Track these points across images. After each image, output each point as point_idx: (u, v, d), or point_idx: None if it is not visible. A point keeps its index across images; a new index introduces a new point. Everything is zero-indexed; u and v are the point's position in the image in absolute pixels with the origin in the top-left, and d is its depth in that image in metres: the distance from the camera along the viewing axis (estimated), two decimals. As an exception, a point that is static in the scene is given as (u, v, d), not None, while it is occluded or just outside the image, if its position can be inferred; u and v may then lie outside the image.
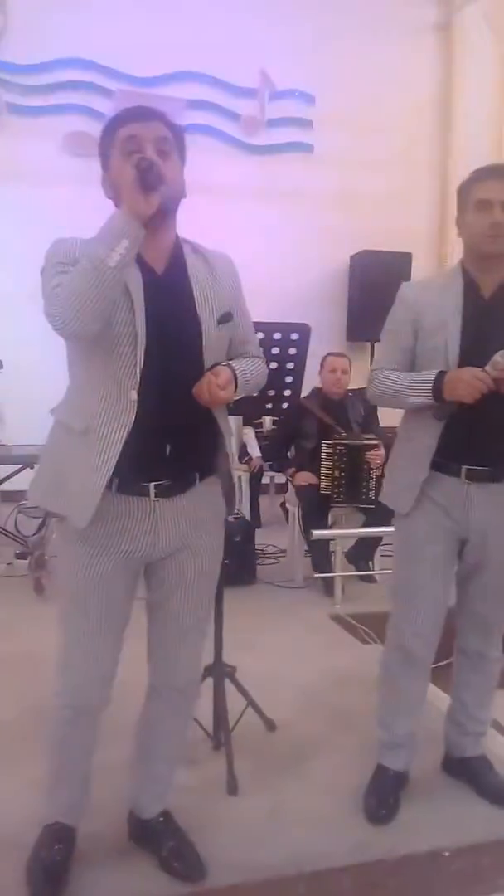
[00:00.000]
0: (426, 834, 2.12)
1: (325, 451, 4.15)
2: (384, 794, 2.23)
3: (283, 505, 5.05)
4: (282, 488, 5.32)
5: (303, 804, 2.26)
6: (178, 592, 1.87)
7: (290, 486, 4.56)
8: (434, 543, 2.20)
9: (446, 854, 2.07)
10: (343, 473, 4.14)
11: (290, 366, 2.38)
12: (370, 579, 4.39)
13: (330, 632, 3.74)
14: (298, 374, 2.40)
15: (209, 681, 2.47)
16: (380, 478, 4.15)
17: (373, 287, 6.15)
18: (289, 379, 2.38)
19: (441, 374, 2.09)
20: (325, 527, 4.20)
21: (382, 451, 4.13)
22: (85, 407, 1.73)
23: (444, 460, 2.17)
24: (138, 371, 1.69)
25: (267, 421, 5.18)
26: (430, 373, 2.12)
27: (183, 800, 2.13)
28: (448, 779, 2.39)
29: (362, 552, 4.36)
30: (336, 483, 4.16)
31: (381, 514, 4.24)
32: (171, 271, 1.75)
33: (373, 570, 4.41)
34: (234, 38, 6.18)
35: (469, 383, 2.02)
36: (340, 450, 4.13)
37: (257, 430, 5.27)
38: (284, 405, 2.51)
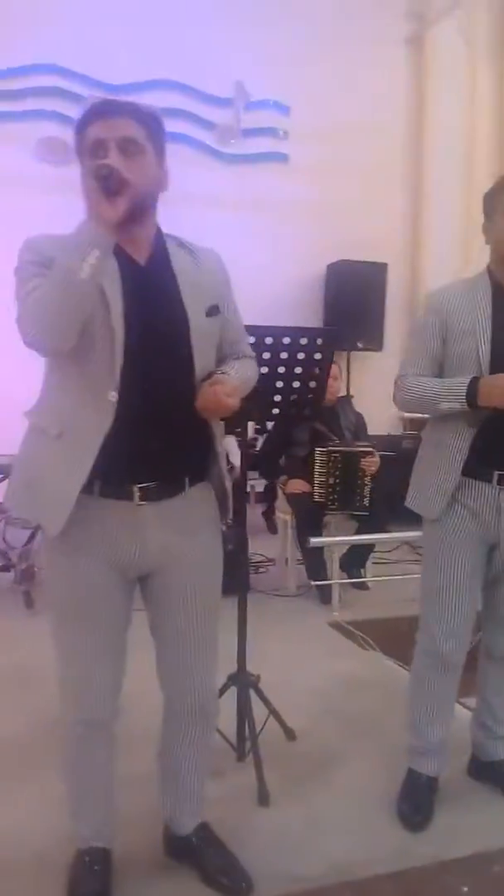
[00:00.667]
0: (465, 838, 2.12)
1: (318, 458, 4.15)
2: (418, 800, 2.22)
3: (265, 513, 5.03)
4: (260, 497, 5.30)
5: (336, 812, 2.25)
6: (177, 610, 1.81)
7: (280, 493, 4.55)
8: (465, 548, 2.21)
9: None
10: (337, 481, 4.14)
11: (315, 371, 2.36)
12: (363, 586, 4.40)
13: (330, 639, 3.73)
14: (322, 380, 2.38)
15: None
16: (374, 485, 4.18)
17: (349, 296, 6.19)
18: (312, 384, 2.35)
19: (475, 380, 2.10)
20: (319, 534, 4.19)
21: (377, 458, 4.15)
22: (60, 410, 1.67)
23: (476, 466, 2.18)
24: (118, 370, 1.61)
25: (250, 429, 5.16)
26: (463, 379, 2.13)
27: (214, 812, 2.08)
28: (474, 783, 2.39)
29: (355, 559, 4.37)
30: (330, 490, 4.15)
31: (374, 522, 4.27)
32: (154, 262, 1.70)
33: (365, 578, 4.42)
34: (208, 48, 6.17)
35: None
36: (335, 457, 4.13)
37: (247, 437, 5.23)
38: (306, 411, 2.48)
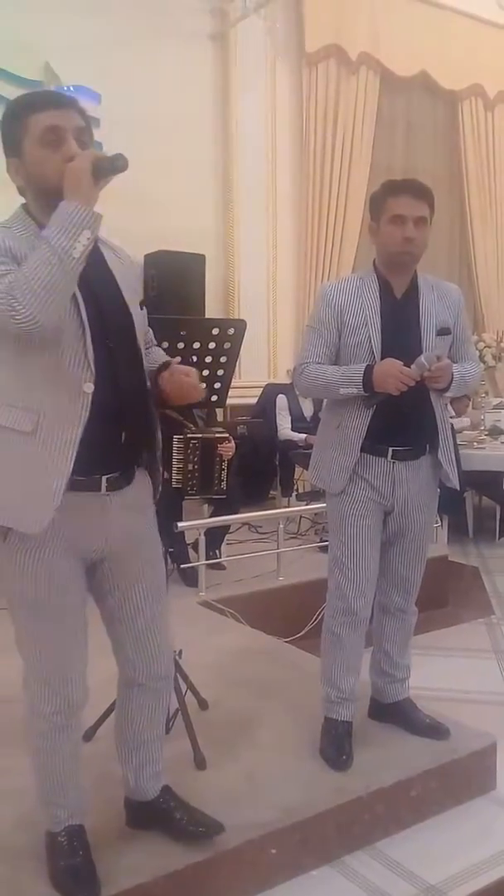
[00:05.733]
0: (386, 771, 2.41)
1: (176, 445, 4.24)
2: (340, 744, 2.48)
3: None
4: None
5: (269, 765, 2.45)
6: (135, 586, 1.90)
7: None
8: (367, 517, 2.49)
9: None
10: (196, 467, 4.28)
11: (223, 360, 2.53)
12: (220, 566, 4.61)
13: (204, 617, 3.91)
14: (230, 368, 2.56)
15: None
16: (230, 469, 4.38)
17: (168, 286, 6.32)
18: (220, 372, 2.52)
19: (369, 368, 2.38)
20: (179, 520, 4.33)
21: (233, 444, 4.35)
22: (30, 406, 1.69)
23: (373, 444, 2.46)
24: (91, 361, 1.68)
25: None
26: (359, 367, 2.39)
27: (159, 782, 2.22)
28: (377, 724, 2.69)
29: (211, 541, 4.56)
30: (189, 476, 4.29)
31: (227, 504, 4.48)
32: (91, 257, 1.72)
33: (220, 558, 4.64)
34: (17, 28, 6.01)
35: (397, 378, 2.32)
36: (194, 444, 4.26)
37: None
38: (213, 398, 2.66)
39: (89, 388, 1.68)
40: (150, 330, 2.03)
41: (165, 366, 1.90)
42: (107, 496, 1.78)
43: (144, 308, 1.94)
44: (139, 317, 1.86)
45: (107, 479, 1.77)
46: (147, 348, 1.97)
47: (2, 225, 1.74)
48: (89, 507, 1.77)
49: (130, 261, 1.93)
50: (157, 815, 2.07)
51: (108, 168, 1.62)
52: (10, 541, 1.75)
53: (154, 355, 2.02)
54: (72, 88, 6.49)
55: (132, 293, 1.85)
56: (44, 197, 1.70)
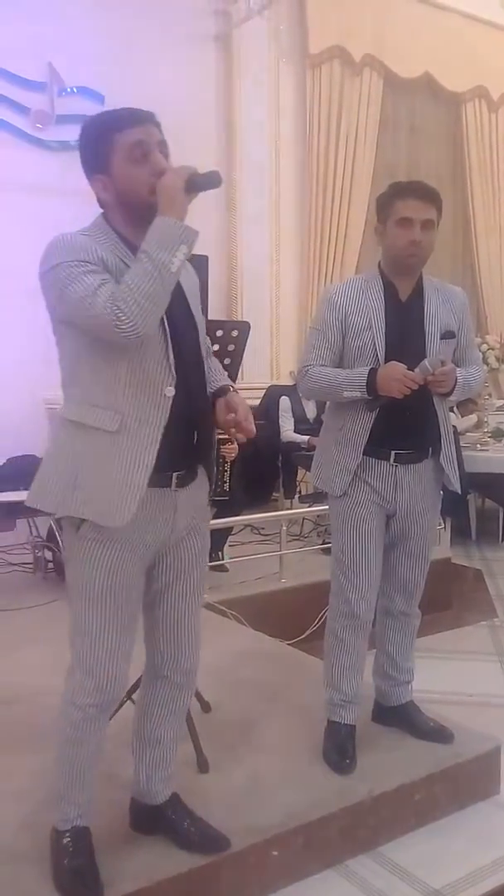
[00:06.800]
0: (390, 774, 2.40)
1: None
2: (343, 747, 2.47)
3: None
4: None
5: (272, 768, 2.44)
6: (183, 579, 1.97)
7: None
8: (369, 519, 2.48)
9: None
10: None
11: (227, 361, 2.53)
12: (223, 568, 4.60)
13: (207, 619, 3.80)
14: (234, 368, 2.56)
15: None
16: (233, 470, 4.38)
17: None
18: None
19: (373, 371, 2.37)
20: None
21: (236, 445, 4.35)
22: (113, 406, 1.76)
23: (375, 447, 2.45)
24: (172, 366, 1.78)
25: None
26: (363, 370, 2.39)
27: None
28: (380, 727, 2.68)
29: (214, 543, 4.53)
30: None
31: (230, 505, 4.47)
32: None
33: (223, 560, 4.63)
34: (20, 29, 6.01)
35: (401, 381, 2.31)
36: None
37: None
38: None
39: (170, 391, 1.78)
40: (208, 338, 2.08)
41: (222, 392, 1.95)
42: (175, 492, 1.86)
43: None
44: (202, 325, 1.95)
45: (177, 476, 1.85)
46: (206, 356, 2.02)
47: (84, 233, 1.79)
48: (159, 503, 1.83)
49: (193, 271, 1.99)
50: (164, 821, 2.07)
51: (202, 184, 1.71)
52: (82, 532, 1.81)
53: (211, 363, 2.06)
54: (75, 90, 6.53)
55: (196, 302, 1.94)
56: (132, 210, 1.77)
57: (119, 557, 1.82)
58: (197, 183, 1.70)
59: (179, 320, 1.83)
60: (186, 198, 1.68)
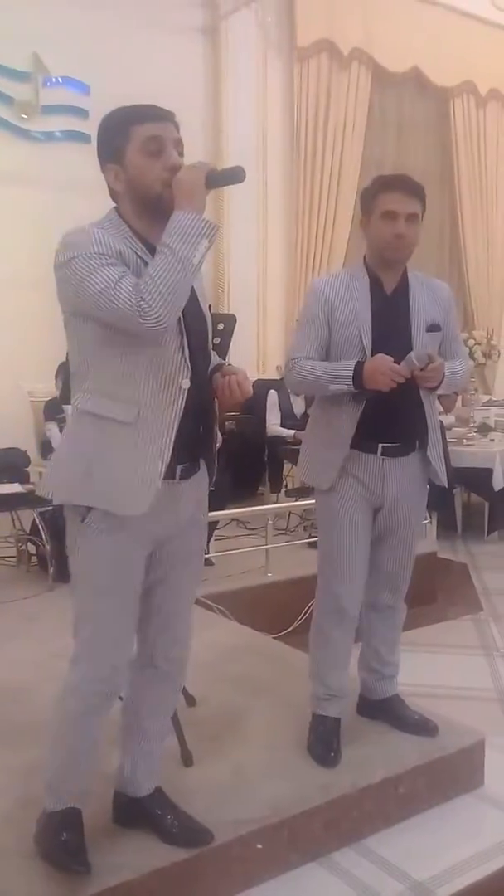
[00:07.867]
0: (374, 768, 2.40)
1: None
2: (328, 740, 2.47)
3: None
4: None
5: (256, 762, 2.44)
6: (180, 570, 1.98)
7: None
8: (356, 513, 2.48)
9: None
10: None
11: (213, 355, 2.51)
12: (208, 562, 4.58)
13: (194, 613, 3.88)
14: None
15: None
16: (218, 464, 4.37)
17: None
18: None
19: (359, 364, 2.36)
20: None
21: (220, 438, 4.33)
22: (130, 398, 1.78)
23: (362, 440, 2.45)
24: (188, 359, 1.80)
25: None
26: (349, 363, 2.38)
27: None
28: (364, 720, 2.69)
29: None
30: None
31: (216, 499, 4.46)
32: None
33: (209, 554, 4.62)
34: (5, 18, 5.96)
35: (387, 375, 2.31)
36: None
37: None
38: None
39: (186, 383, 1.80)
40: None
41: (218, 368, 1.97)
42: (179, 484, 1.87)
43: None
44: (209, 317, 1.97)
45: (181, 467, 1.85)
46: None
47: (98, 226, 1.79)
48: (165, 494, 1.83)
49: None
50: (147, 814, 2.06)
51: (223, 179, 1.74)
52: (88, 522, 1.82)
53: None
54: (60, 80, 6.48)
55: (203, 297, 1.96)
56: (141, 202, 1.79)
57: (124, 547, 1.83)
58: (217, 178, 1.72)
59: (191, 313, 1.85)
60: (206, 192, 1.70)
